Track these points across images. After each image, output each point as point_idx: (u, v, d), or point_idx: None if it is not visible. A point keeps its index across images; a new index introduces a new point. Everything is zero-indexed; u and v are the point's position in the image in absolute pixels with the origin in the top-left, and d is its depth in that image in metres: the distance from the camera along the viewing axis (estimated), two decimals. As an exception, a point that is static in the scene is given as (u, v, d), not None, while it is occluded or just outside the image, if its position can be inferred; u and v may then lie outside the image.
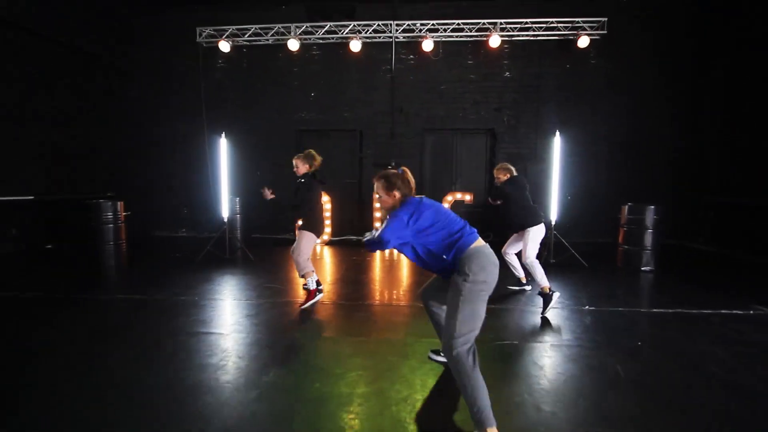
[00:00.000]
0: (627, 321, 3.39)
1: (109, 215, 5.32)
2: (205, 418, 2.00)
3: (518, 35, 7.00)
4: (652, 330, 3.22)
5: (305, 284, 3.72)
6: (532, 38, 7.03)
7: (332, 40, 7.34)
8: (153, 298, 3.92)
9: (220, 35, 7.31)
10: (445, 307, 2.05)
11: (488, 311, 3.46)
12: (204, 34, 7.38)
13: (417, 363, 2.61)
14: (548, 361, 2.66)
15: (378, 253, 6.59)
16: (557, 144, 5.41)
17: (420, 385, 2.33)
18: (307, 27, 7.22)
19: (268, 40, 7.37)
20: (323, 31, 7.22)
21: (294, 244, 3.77)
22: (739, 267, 5.47)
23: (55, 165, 6.40)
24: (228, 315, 3.52)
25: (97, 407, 2.09)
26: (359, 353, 2.75)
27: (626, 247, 5.30)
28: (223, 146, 5.71)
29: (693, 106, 7.03)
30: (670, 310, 3.63)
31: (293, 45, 7.11)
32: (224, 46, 7.23)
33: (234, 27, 7.27)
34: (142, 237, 7.60)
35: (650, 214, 5.11)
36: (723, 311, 3.61)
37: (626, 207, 5.30)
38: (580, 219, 7.16)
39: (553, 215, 5.51)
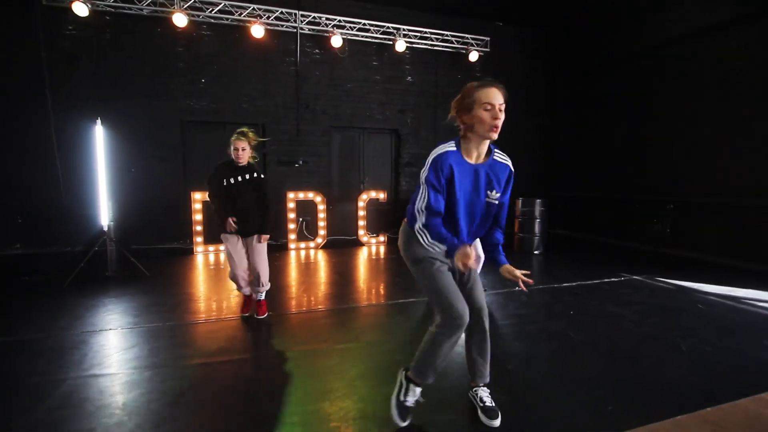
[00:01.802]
0: (551, 296, 4.00)
1: None
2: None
3: (418, 43, 7.47)
4: (572, 300, 3.86)
5: (259, 297, 3.31)
6: (429, 48, 7.59)
7: (227, 21, 6.53)
8: (19, 339, 2.84)
9: (71, -6, 5.72)
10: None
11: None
12: (46, -10, 5.67)
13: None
14: (519, 337, 2.94)
15: (293, 255, 6.19)
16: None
17: (371, 398, 2.09)
18: (195, 2, 6.25)
19: (141, 9, 6.10)
20: (216, 9, 6.36)
21: (255, 256, 3.19)
22: (593, 245, 7.01)
23: None
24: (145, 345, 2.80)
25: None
26: (298, 367, 2.54)
27: (521, 234, 6.22)
28: (100, 135, 4.51)
29: (550, 119, 8.68)
30: (574, 283, 4.43)
31: (180, 20, 6.04)
32: (80, 8, 5.67)
33: (93, -14, 5.80)
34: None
35: (538, 207, 6.12)
36: (606, 280, 4.58)
37: (520, 200, 6.22)
38: None
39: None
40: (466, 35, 7.56)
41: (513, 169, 1.83)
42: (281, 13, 6.65)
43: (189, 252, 6.20)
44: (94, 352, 2.64)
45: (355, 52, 7.35)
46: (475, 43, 7.66)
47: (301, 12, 6.74)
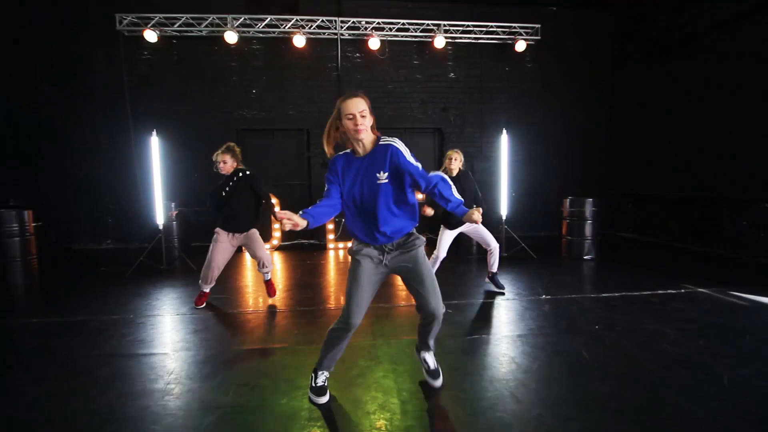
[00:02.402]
0: (580, 307, 3.57)
1: (15, 227, 4.50)
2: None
3: (461, 37, 7.20)
4: (604, 313, 3.41)
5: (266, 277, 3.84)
6: (473, 41, 7.27)
7: (274, 35, 6.97)
8: (78, 319, 3.36)
9: (144, 23, 6.60)
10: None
11: (452, 306, 3.37)
12: (125, 22, 6.61)
13: (389, 366, 2.48)
14: (517, 351, 2.68)
15: (332, 255, 6.38)
16: (504, 142, 5.62)
17: (396, 390, 2.21)
18: (245, 19, 6.78)
19: (201, 31, 6.80)
20: (263, 24, 6.84)
21: (255, 249, 3.66)
22: (661, 251, 6.10)
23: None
24: (171, 332, 3.11)
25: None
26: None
27: (569, 238, 5.65)
28: (155, 146, 5.13)
29: (613, 109, 7.76)
30: (616, 294, 3.90)
31: (231, 37, 6.63)
32: (150, 35, 6.53)
33: (161, 15, 6.61)
34: (57, 251, 6.60)
35: (589, 207, 5.50)
36: (659, 291, 3.96)
37: (567, 200, 5.66)
38: (526, 214, 7.54)
39: (503, 210, 5.72)
40: (513, 24, 7.09)
41: (395, 145, 1.93)
42: (322, 21, 6.90)
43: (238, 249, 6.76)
44: (146, 333, 3.03)
45: (395, 53, 7.34)
46: (524, 32, 7.14)
47: (341, 18, 6.93)
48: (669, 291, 3.97)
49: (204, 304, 3.71)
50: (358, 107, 1.88)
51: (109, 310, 3.56)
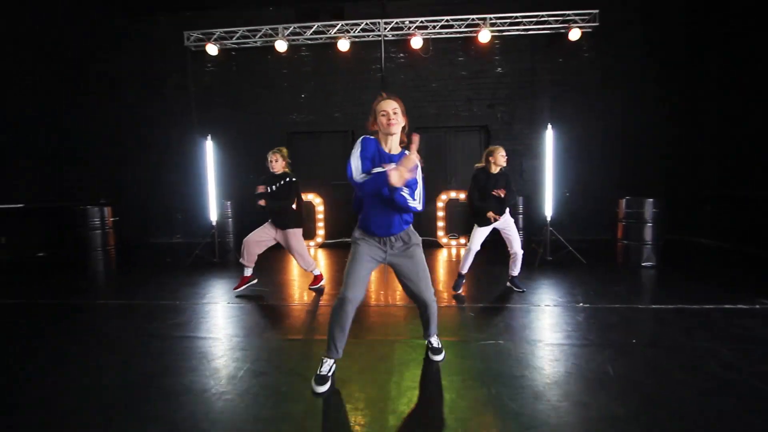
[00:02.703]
0: (622, 317, 3.23)
1: (96, 221, 5.24)
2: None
3: (509, 30, 6.88)
4: (648, 327, 3.06)
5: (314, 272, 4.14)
6: (522, 33, 6.91)
7: (321, 41, 7.26)
8: (134, 302, 3.81)
9: (207, 38, 7.26)
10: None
11: (476, 310, 3.28)
12: (192, 38, 7.33)
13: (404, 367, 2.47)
14: (536, 360, 2.51)
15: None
16: (549, 138, 5.27)
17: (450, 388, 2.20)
18: (294, 28, 7.15)
19: (256, 42, 7.31)
20: (311, 31, 7.15)
21: (294, 247, 3.91)
22: (743, 261, 5.28)
23: (47, 174, 6.35)
24: (211, 318, 3.39)
25: (96, 411, 1.97)
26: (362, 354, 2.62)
27: (625, 242, 5.13)
28: (210, 149, 5.63)
29: (687, 99, 6.86)
30: (670, 306, 3.47)
31: (281, 46, 7.03)
32: (212, 49, 7.17)
33: (221, 30, 7.22)
34: (136, 243, 7.53)
35: (649, 208, 4.95)
36: (726, 306, 3.44)
37: (624, 201, 5.14)
38: (577, 215, 7.01)
39: (548, 211, 5.36)
40: (567, 12, 6.61)
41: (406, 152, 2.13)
42: (366, 24, 7.04)
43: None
44: (200, 318, 3.37)
45: (439, 51, 7.23)
46: (579, 19, 6.62)
47: (384, 20, 7.01)
48: (739, 306, 3.43)
49: (242, 288, 4.01)
50: (391, 105, 2.10)
51: (161, 296, 3.99)
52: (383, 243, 2.23)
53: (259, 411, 2.01)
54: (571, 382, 2.24)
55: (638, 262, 5.00)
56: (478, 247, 3.90)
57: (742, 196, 5.95)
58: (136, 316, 3.49)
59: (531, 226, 6.50)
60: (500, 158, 3.76)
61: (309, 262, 4.02)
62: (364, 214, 2.21)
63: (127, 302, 3.87)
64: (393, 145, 2.13)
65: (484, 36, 6.71)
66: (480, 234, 3.87)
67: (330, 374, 2.21)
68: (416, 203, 2.10)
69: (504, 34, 6.95)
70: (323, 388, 2.15)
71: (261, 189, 3.81)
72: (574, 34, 6.56)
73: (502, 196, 3.68)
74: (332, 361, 2.23)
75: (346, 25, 7.07)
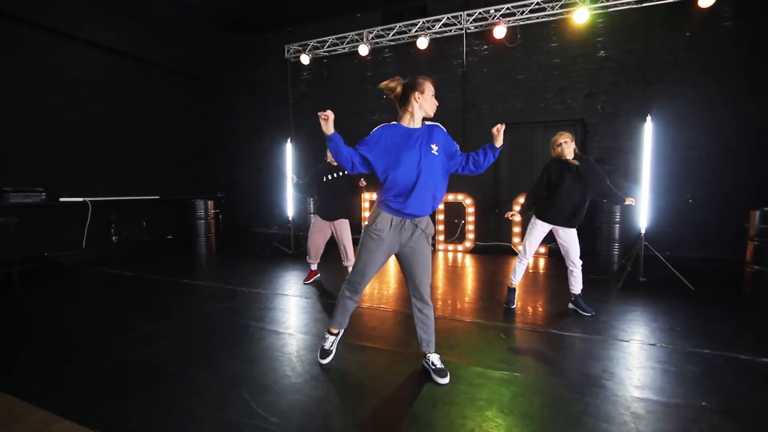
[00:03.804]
0: (707, 368, 2.48)
1: (201, 212, 6.27)
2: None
3: (615, 4, 5.82)
4: (740, 386, 2.28)
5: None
6: (634, 6, 5.76)
7: (403, 40, 7.28)
8: (206, 284, 4.47)
9: (303, 49, 7.96)
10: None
11: (544, 337, 2.90)
12: (291, 51, 8.13)
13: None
14: (564, 407, 2.11)
15: (441, 256, 6.27)
16: (648, 132, 4.32)
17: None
18: (378, 31, 7.32)
19: (344, 48, 7.72)
20: (393, 32, 7.22)
21: (341, 235, 4.16)
22: None
23: (179, 172, 7.86)
24: (263, 306, 3.74)
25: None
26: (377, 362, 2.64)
27: (757, 267, 3.91)
28: (289, 151, 6.20)
29: None
30: (791, 362, 2.53)
31: (363, 50, 7.28)
32: (304, 59, 7.85)
33: (314, 40, 7.83)
34: (242, 232, 8.77)
35: (795, 223, 3.66)
36: None
37: (757, 213, 3.91)
38: (693, 228, 5.59)
39: (643, 221, 4.41)
40: (699, -28, 5.27)
41: (439, 126, 2.26)
42: (447, 18, 6.79)
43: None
44: (276, 309, 3.68)
45: (528, 38, 6.55)
46: (716, -20, 5.22)
47: (467, 12, 6.66)
48: None
49: (311, 281, 4.45)
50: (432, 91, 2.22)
51: (232, 281, 4.57)
52: (403, 228, 2.20)
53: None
54: (575, 436, 1.83)
55: (774, 294, 3.76)
56: (534, 252, 3.44)
57: None
58: (198, 295, 4.08)
59: (626, 239, 5.43)
60: (558, 148, 3.25)
61: (352, 256, 4.14)
62: (402, 193, 2.12)
63: (200, 283, 4.56)
64: (417, 121, 2.22)
65: (581, 15, 5.82)
66: (538, 232, 3.37)
67: (333, 348, 2.50)
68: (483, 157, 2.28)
69: (609, 9, 5.91)
70: (327, 360, 2.48)
71: (293, 178, 4.33)
72: (707, 0, 5.20)
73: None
74: (334, 336, 2.50)
75: (428, 22, 6.94)
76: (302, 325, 3.24)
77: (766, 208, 3.89)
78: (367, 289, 4.23)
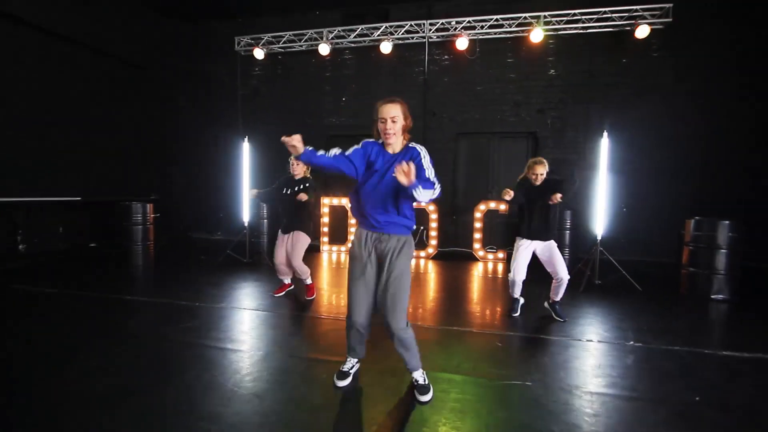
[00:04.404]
0: (682, 364, 2.70)
1: (138, 217, 5.50)
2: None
3: (565, 28, 6.32)
4: (717, 380, 2.51)
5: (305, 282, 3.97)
6: (581, 31, 6.31)
7: (364, 43, 7.16)
8: (158, 300, 3.88)
9: (256, 43, 7.45)
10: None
11: (510, 339, 2.85)
12: (242, 43, 7.56)
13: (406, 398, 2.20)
14: (576, 412, 2.11)
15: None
16: (604, 146, 4.70)
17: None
18: (339, 31, 7.11)
19: (301, 46, 7.37)
20: (355, 34, 7.07)
21: (293, 253, 3.79)
22: None
23: (107, 170, 6.82)
24: (223, 324, 3.34)
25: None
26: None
27: (692, 269, 4.43)
28: (246, 150, 5.70)
29: (784, 104, 5.85)
30: (746, 354, 2.86)
31: (324, 49, 7.03)
32: (258, 53, 7.35)
33: (269, 35, 7.38)
34: (180, 238, 7.89)
35: (724, 231, 4.22)
36: (822, 361, 2.77)
37: (692, 222, 4.44)
38: (636, 234, 6.25)
39: (599, 229, 4.78)
40: (635, 7, 5.93)
41: (417, 148, 2.11)
42: (410, 26, 6.83)
43: (316, 249, 7.08)
44: (228, 324, 3.31)
45: (487, 52, 6.83)
46: (649, 15, 5.91)
47: (430, 21, 6.75)
48: (842, 363, 2.74)
49: (282, 293, 4.07)
50: (390, 113, 2.05)
51: (182, 296, 4.02)
52: (370, 246, 2.12)
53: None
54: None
55: (707, 294, 4.28)
56: (524, 276, 3.52)
57: None
58: (153, 315, 3.53)
59: (579, 244, 5.88)
60: (534, 175, 3.40)
61: (304, 269, 3.86)
62: (360, 202, 2.13)
63: (149, 300, 3.95)
64: (395, 147, 2.12)
65: (537, 35, 6.22)
66: (524, 253, 3.50)
67: (352, 371, 2.34)
68: (434, 193, 1.96)
69: (559, 33, 6.40)
70: (343, 383, 2.28)
71: (254, 193, 3.95)
72: (642, 32, 5.86)
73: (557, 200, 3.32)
74: (355, 360, 2.36)
75: (390, 27, 6.91)
76: (291, 347, 2.93)
77: (698, 218, 4.44)
78: (324, 299, 4.02)
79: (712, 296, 4.23)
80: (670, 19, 5.84)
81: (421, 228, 6.93)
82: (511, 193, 3.31)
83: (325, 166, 1.99)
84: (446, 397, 2.22)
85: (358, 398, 2.22)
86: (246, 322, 3.37)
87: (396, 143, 2.12)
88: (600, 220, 4.74)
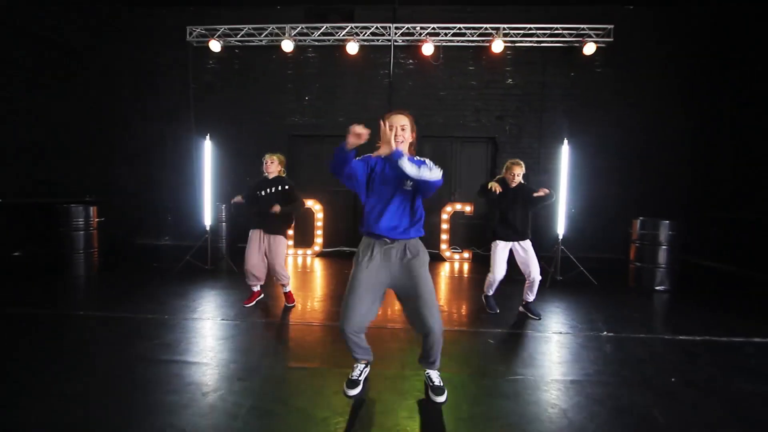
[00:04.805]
0: (651, 351, 3.00)
1: (80, 221, 4.88)
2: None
3: (521, 41, 6.74)
4: (681, 362, 2.82)
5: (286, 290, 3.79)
6: (535, 45, 6.77)
7: (328, 42, 7.04)
8: (117, 315, 3.48)
9: (211, 35, 6.99)
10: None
11: (494, 336, 2.95)
12: (194, 34, 7.05)
13: (413, 403, 2.19)
14: (569, 401, 2.25)
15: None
16: (565, 154, 5.09)
17: None
18: (302, 28, 6.92)
19: (261, 41, 7.05)
20: (319, 32, 6.92)
21: (274, 258, 3.63)
22: (756, 286, 5.13)
23: (33, 167, 5.96)
24: (200, 338, 3.08)
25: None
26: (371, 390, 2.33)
27: (638, 264, 4.95)
28: (208, 149, 5.33)
29: (698, 120, 6.76)
30: (698, 338, 3.26)
31: (287, 46, 6.79)
32: (215, 45, 6.90)
33: (226, 27, 6.96)
34: (122, 244, 7.14)
35: (665, 230, 4.77)
36: (755, 339, 3.24)
37: (638, 221, 4.96)
38: (588, 234, 6.83)
39: (560, 229, 5.16)
40: (582, 25, 6.49)
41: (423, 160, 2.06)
42: (376, 28, 6.84)
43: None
44: (191, 337, 3.02)
45: (450, 59, 7.06)
46: (594, 34, 6.51)
47: (395, 24, 6.82)
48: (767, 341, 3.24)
49: (252, 303, 3.79)
50: (400, 122, 2.08)
51: (147, 309, 3.65)
52: (387, 256, 2.10)
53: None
54: (617, 428, 1.99)
55: (651, 285, 4.81)
56: (503, 275, 3.65)
57: (748, 219, 5.83)
58: (119, 331, 3.16)
59: (540, 243, 6.28)
60: (511, 176, 3.59)
61: (286, 274, 3.73)
62: (369, 210, 2.12)
63: (109, 315, 3.53)
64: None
65: (498, 46, 6.55)
66: (501, 253, 3.64)
67: (361, 378, 2.28)
68: (430, 172, 1.90)
69: (516, 45, 6.80)
70: (354, 392, 2.21)
71: (238, 199, 3.74)
72: (589, 49, 6.43)
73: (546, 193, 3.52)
74: (363, 365, 2.30)
75: (356, 27, 6.86)
76: (275, 356, 2.79)
77: (642, 218, 4.97)
78: (298, 305, 3.91)
79: (656, 287, 4.76)
80: (611, 39, 6.48)
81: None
82: (499, 187, 3.45)
83: (347, 172, 1.98)
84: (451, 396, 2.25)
85: (366, 406, 2.17)
86: (221, 334, 3.14)
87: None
88: (561, 221, 5.12)
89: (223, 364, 2.60)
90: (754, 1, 5.92)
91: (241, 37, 7.03)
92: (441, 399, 2.19)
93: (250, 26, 6.95)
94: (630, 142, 6.85)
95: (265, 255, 3.68)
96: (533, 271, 3.60)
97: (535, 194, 3.54)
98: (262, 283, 3.80)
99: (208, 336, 3.10)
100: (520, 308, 3.83)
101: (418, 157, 2.06)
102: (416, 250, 2.13)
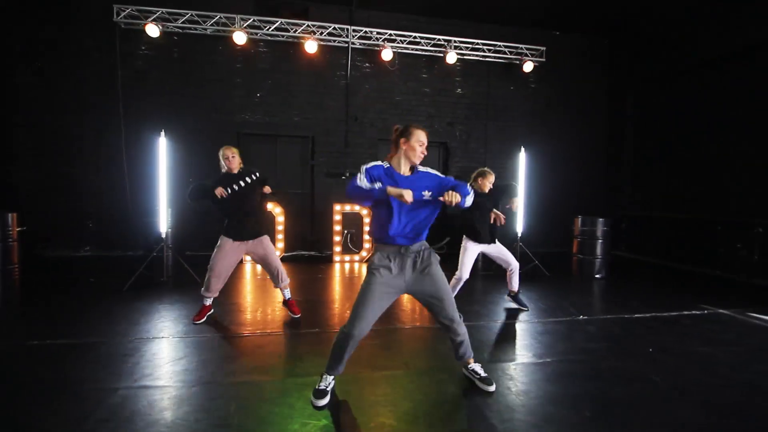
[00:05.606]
0: (622, 328, 3.55)
1: (-6, 231, 3.96)
2: None
3: (469, 55, 7.28)
4: (648, 335, 3.40)
5: (286, 295, 3.61)
6: (481, 59, 7.37)
7: (282, 38, 6.75)
8: (67, 342, 2.93)
9: (144, 17, 6.18)
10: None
11: (481, 328, 3.16)
12: (123, 14, 6.16)
13: (385, 405, 2.30)
14: (587, 377, 2.58)
15: (338, 268, 6.10)
16: (522, 159, 5.66)
17: None
18: (254, 21, 6.52)
19: (206, 29, 6.46)
20: (273, 27, 6.60)
21: (265, 255, 3.45)
22: (662, 272, 6.30)
23: None
24: (164, 359, 2.75)
25: None
26: (345, 394, 2.35)
27: (580, 256, 5.73)
28: (163, 148, 4.73)
29: (611, 132, 8.08)
30: (647, 315, 3.93)
31: (240, 38, 6.33)
32: (152, 30, 6.12)
33: (163, 10, 6.22)
34: (32, 258, 5.90)
35: (600, 226, 5.61)
36: (684, 312, 4.03)
37: (579, 219, 5.74)
38: (538, 230, 7.63)
39: (519, 227, 5.73)
40: (521, 45, 7.27)
41: (432, 172, 2.29)
42: (334, 29, 6.76)
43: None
44: (146, 361, 2.65)
45: (405, 65, 7.31)
46: (530, 53, 7.33)
47: (353, 27, 6.82)
48: (694, 312, 4.05)
49: (203, 320, 3.42)
50: (426, 140, 2.21)
51: (101, 332, 3.13)
52: (402, 263, 2.16)
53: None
54: (634, 395, 2.35)
55: (591, 274, 5.61)
56: (468, 275, 3.77)
57: (652, 216, 7.16)
58: (71, 361, 2.69)
59: (501, 241, 6.87)
60: (484, 184, 3.79)
61: (285, 275, 3.56)
62: (383, 221, 2.14)
63: (55, 342, 2.97)
64: (406, 169, 2.22)
65: (451, 57, 6.98)
66: (471, 255, 3.77)
67: (329, 388, 2.21)
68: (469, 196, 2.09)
69: (465, 57, 7.32)
70: (322, 402, 2.14)
71: (220, 192, 3.25)
72: (528, 66, 7.23)
73: (502, 222, 3.80)
74: (332, 377, 2.24)
75: (313, 26, 6.70)
76: (239, 370, 2.66)
77: (582, 216, 5.77)
78: (249, 316, 3.76)
79: (596, 276, 5.57)
80: (543, 60, 7.37)
81: (345, 232, 6.94)
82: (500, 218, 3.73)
83: (368, 202, 2.12)
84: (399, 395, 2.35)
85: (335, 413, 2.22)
86: (175, 354, 2.88)
87: (409, 165, 2.22)
88: (521, 220, 5.68)
89: (183, 385, 2.38)
90: (641, 34, 7.28)
91: (182, 23, 6.35)
92: (492, 388, 2.33)
93: (194, 12, 6.33)
94: (560, 151, 7.84)
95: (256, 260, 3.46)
96: (510, 261, 3.92)
97: (507, 206, 3.85)
98: (215, 296, 3.48)
99: (164, 356, 2.76)
100: (507, 297, 4.10)
101: (456, 179, 2.24)
102: (428, 254, 2.24)
